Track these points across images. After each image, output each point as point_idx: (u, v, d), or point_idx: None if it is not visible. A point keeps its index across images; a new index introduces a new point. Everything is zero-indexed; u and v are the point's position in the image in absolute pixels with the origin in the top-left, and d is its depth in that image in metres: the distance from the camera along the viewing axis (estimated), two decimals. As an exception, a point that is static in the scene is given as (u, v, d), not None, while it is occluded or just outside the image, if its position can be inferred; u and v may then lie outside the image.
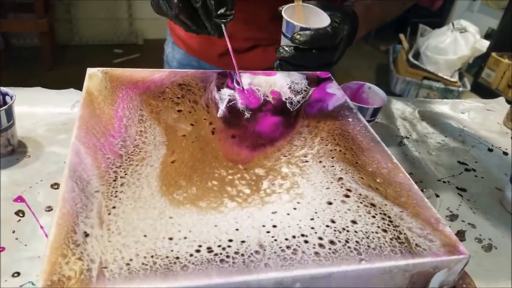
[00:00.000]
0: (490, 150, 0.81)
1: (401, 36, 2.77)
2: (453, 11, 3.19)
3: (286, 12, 0.59)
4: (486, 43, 2.63)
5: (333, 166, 0.47)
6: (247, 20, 0.80)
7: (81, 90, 0.53)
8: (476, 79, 2.73)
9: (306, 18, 0.61)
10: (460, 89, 2.52)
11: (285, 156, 0.48)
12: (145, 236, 0.35)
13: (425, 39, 2.65)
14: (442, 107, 0.95)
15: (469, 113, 0.94)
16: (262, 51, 0.84)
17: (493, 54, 2.59)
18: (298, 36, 0.56)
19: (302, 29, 0.57)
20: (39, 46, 2.56)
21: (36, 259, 0.47)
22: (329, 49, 0.60)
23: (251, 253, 0.35)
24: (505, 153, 0.80)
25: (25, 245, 0.49)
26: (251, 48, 0.84)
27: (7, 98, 0.61)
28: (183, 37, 0.89)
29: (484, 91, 2.60)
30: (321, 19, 0.59)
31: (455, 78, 2.56)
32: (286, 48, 0.58)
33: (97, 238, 0.35)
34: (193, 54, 0.89)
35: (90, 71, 0.56)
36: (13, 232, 0.50)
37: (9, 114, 0.59)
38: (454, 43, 2.51)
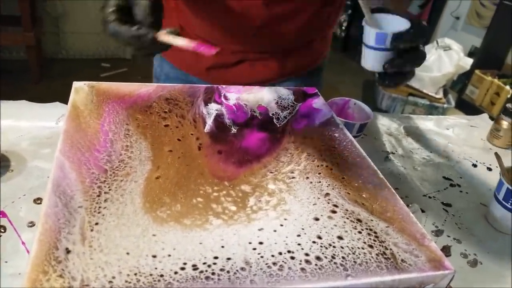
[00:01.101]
0: (474, 165, 0.82)
1: (387, 53, 2.81)
2: (437, 30, 3.26)
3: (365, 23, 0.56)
4: (470, 60, 2.69)
5: (320, 182, 0.47)
6: (234, 34, 0.80)
7: (67, 103, 0.52)
8: (460, 95, 2.78)
9: (378, 26, 0.58)
10: (445, 105, 2.56)
11: (271, 172, 0.47)
12: (127, 253, 0.35)
13: (411, 56, 2.69)
14: (427, 123, 0.97)
15: (454, 129, 0.95)
16: (249, 66, 0.84)
17: (477, 71, 2.64)
18: (399, 42, 0.54)
19: (395, 34, 0.54)
20: (26, 60, 2.54)
21: (17, 276, 0.46)
22: (420, 45, 0.58)
23: (237, 270, 0.35)
24: (489, 169, 0.81)
25: (6, 262, 0.48)
26: (238, 62, 0.84)
27: (-9, 112, 0.60)
28: (169, 51, 0.89)
29: (468, 107, 2.65)
30: (389, 22, 0.57)
31: (440, 95, 2.61)
32: (388, 63, 0.55)
33: (79, 255, 0.34)
34: (180, 68, 0.89)
35: (76, 84, 0.55)
36: (-6, 248, 0.49)
37: (-7, 127, 0.58)
38: (439, 60, 2.56)
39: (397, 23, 0.57)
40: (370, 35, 0.56)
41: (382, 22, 0.58)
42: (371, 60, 0.58)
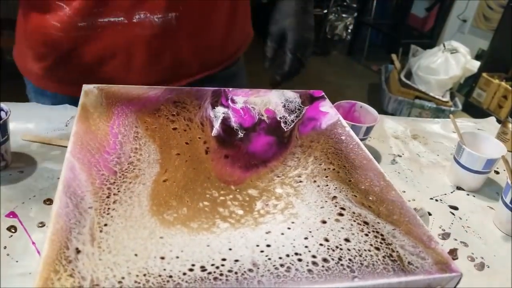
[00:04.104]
0: (481, 169, 0.82)
1: (393, 56, 2.81)
2: (444, 32, 3.26)
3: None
4: (477, 63, 2.67)
5: (327, 185, 0.47)
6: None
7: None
8: (468, 99, 2.77)
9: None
10: (452, 108, 2.55)
11: (278, 176, 0.48)
12: (136, 255, 0.35)
13: (417, 59, 2.69)
14: (434, 126, 0.96)
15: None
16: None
17: (484, 74, 2.63)
18: None
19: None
20: (33, 62, 2.56)
21: (27, 276, 0.47)
22: None
23: (245, 271, 0.35)
24: (496, 172, 0.81)
25: (16, 261, 0.48)
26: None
27: (2, 114, 0.61)
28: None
29: (475, 110, 2.64)
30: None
31: (447, 98, 2.60)
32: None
33: (88, 256, 0.34)
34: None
35: (86, 87, 0.56)
36: (5, 248, 0.50)
37: (4, 129, 0.59)
38: (445, 63, 2.55)
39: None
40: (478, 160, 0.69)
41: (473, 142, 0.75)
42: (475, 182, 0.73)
